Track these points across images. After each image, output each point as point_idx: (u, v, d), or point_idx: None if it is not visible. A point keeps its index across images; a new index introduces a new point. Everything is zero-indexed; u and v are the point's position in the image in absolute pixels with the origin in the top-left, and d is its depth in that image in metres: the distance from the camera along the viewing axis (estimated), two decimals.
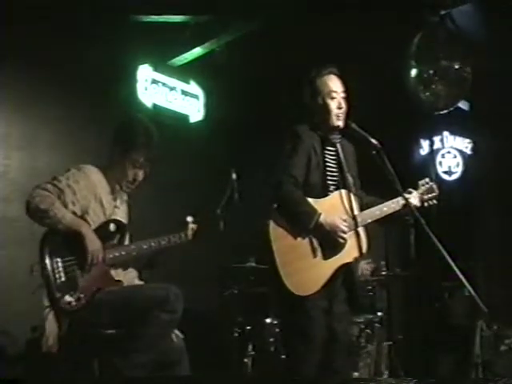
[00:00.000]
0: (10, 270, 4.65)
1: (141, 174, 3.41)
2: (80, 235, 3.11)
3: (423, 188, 3.49)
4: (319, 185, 3.27)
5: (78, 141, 5.34)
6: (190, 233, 3.45)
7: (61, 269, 3.09)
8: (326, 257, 3.18)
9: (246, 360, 4.84)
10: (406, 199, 3.31)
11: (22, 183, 4.87)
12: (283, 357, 4.35)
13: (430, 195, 3.48)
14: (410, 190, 3.44)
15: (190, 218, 3.47)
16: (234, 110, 6.11)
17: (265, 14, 5.31)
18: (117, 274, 3.31)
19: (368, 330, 4.97)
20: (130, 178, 3.39)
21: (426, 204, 3.47)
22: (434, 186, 3.51)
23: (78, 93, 5.38)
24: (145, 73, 5.91)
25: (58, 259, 3.10)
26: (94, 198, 3.28)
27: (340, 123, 3.34)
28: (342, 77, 3.42)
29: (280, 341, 4.62)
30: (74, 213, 3.18)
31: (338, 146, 3.38)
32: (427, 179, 3.53)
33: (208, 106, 6.34)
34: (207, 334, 5.17)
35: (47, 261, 3.07)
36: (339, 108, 3.33)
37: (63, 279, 3.08)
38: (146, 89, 5.89)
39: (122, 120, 3.56)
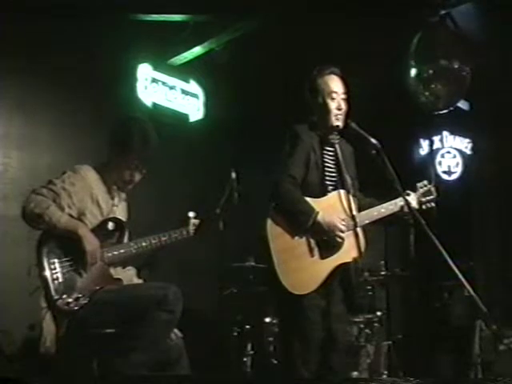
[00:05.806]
0: (8, 269, 4.65)
1: (137, 175, 3.40)
2: (77, 236, 3.10)
3: (421, 190, 3.46)
4: (317, 184, 3.27)
5: (77, 140, 5.34)
6: (191, 228, 3.42)
7: (58, 269, 3.08)
8: (323, 256, 3.18)
9: (245, 359, 4.85)
10: (407, 200, 3.29)
11: (21, 182, 4.88)
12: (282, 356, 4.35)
13: (427, 198, 3.46)
14: (408, 191, 3.42)
15: (191, 214, 3.45)
16: (233, 109, 6.11)
17: (265, 14, 5.31)
18: (116, 272, 3.30)
19: (367, 330, 4.97)
20: (126, 178, 3.38)
21: (423, 207, 3.45)
22: (433, 189, 3.49)
23: (78, 92, 5.38)
24: (145, 72, 5.91)
25: (56, 260, 3.09)
26: (91, 199, 3.26)
27: (339, 123, 3.33)
28: (343, 77, 3.42)
29: (279, 340, 4.62)
30: (71, 215, 3.17)
31: (337, 146, 3.38)
32: (425, 182, 3.50)
33: (208, 105, 6.33)
34: (207, 334, 5.17)
35: (44, 262, 3.06)
36: (339, 109, 3.33)
37: (61, 280, 3.06)
38: (145, 88, 5.90)
39: (119, 120, 3.54)
